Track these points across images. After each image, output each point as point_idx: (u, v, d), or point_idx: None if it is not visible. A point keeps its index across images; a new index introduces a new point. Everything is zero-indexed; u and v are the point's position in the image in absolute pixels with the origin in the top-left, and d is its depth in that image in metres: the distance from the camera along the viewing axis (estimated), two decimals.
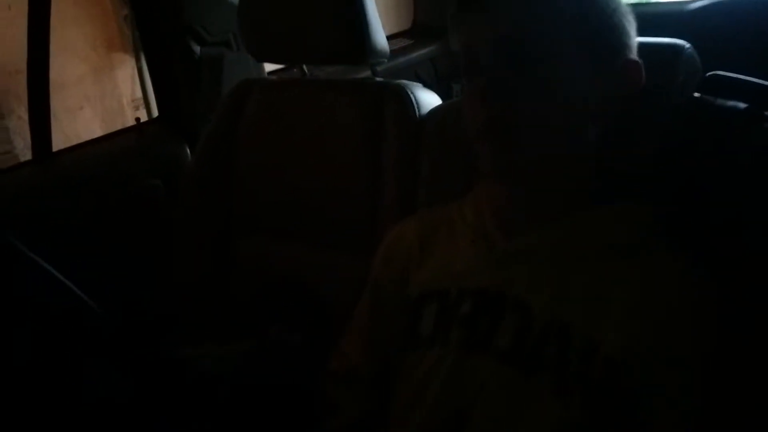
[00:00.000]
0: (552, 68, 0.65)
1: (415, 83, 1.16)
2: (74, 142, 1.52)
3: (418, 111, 1.09)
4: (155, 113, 1.64)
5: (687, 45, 0.80)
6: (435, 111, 1.07)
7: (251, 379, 0.88)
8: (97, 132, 1.99)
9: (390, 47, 1.18)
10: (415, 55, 1.97)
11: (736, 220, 0.74)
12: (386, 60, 1.19)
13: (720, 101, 0.79)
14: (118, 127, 1.64)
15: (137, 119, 1.52)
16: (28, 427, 0.68)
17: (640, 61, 0.70)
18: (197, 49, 1.49)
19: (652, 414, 0.62)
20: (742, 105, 0.77)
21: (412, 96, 1.10)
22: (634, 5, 0.75)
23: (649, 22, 0.74)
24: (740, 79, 0.80)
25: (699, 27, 1.51)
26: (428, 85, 1.19)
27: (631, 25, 0.70)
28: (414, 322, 0.75)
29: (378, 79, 1.20)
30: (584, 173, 0.71)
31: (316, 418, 0.83)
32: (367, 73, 1.25)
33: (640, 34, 0.75)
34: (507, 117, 0.65)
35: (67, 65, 2.45)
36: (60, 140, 1.46)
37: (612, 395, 0.62)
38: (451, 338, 0.71)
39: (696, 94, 0.80)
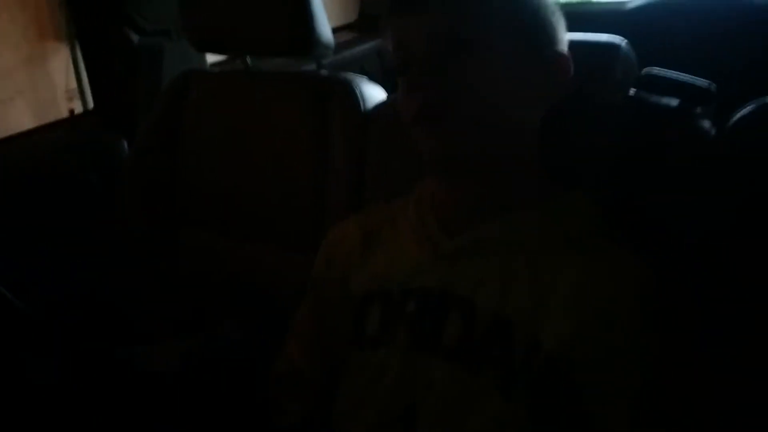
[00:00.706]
0: (481, 58, 0.66)
1: (360, 76, 1.15)
2: (4, 135, 1.45)
3: (364, 105, 1.08)
4: (91, 105, 1.58)
5: (624, 42, 0.82)
6: (381, 105, 1.07)
7: (193, 376, 0.86)
8: (28, 125, 1.90)
9: (335, 40, 1.17)
10: (361, 48, 1.96)
11: (670, 213, 0.77)
12: (331, 53, 1.18)
13: (655, 98, 0.82)
14: (52, 119, 1.57)
15: (71, 111, 1.46)
16: None
17: (568, 53, 0.72)
18: (135, 38, 1.44)
19: (595, 408, 0.63)
20: (674, 102, 0.80)
21: (357, 90, 1.10)
22: (573, 4, 0.77)
23: (588, 20, 0.76)
24: (672, 76, 0.83)
25: (636, 25, 1.56)
26: (374, 79, 1.18)
27: (558, 21, 0.72)
28: (359, 323, 0.74)
29: (323, 72, 1.19)
30: (523, 168, 0.72)
31: (259, 418, 0.82)
32: (312, 66, 1.23)
33: (580, 31, 0.76)
34: (439, 105, 0.66)
35: None
36: None
37: (555, 391, 0.63)
38: (398, 338, 0.71)
39: (632, 91, 0.83)
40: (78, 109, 1.63)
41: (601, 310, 0.64)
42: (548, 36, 0.71)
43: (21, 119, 2.42)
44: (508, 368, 0.65)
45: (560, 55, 0.71)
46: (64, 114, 1.48)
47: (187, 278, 1.19)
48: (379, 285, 0.75)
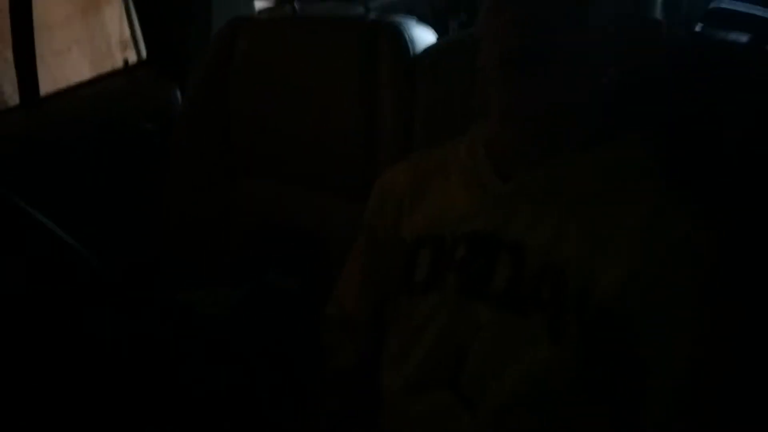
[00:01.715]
0: (582, 10, 0.63)
1: (409, 19, 1.12)
2: (63, 85, 1.48)
3: (413, 48, 1.06)
4: (144, 54, 1.60)
5: None
6: (430, 49, 1.05)
7: (247, 323, 0.89)
8: (85, 74, 1.94)
9: None
10: None
11: (739, 154, 0.73)
12: None
13: (723, 34, 0.77)
14: (107, 68, 1.60)
15: (125, 60, 1.49)
16: (29, 379, 0.69)
17: (663, 20, 0.68)
18: None
19: (649, 356, 0.62)
20: (744, 37, 0.75)
21: (406, 33, 1.07)
22: None
23: None
24: (742, 9, 0.77)
25: None
26: (424, 21, 1.15)
27: None
28: (408, 268, 0.74)
29: (371, 15, 1.17)
30: (593, 115, 0.69)
31: (313, 363, 0.84)
32: (360, 9, 1.21)
33: None
34: (536, 50, 0.63)
35: (53, 6, 2.38)
36: (48, 83, 1.43)
37: (607, 337, 0.62)
38: (447, 283, 0.71)
39: (699, 26, 0.78)
40: (132, 58, 1.65)
41: (658, 262, 0.62)
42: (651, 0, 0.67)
43: (78, 69, 2.49)
44: (557, 313, 0.64)
45: (656, 21, 0.68)
46: (119, 63, 1.50)
47: (238, 226, 1.22)
48: (430, 230, 0.74)
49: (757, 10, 0.77)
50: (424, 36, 1.09)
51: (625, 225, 0.64)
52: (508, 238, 0.68)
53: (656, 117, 0.74)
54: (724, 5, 0.78)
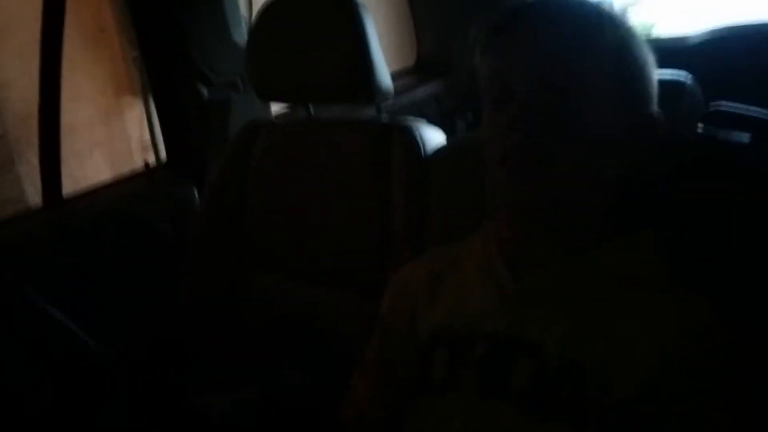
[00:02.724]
0: (585, 104, 0.65)
1: (420, 120, 1.17)
2: (83, 185, 1.53)
3: (425, 149, 1.10)
4: (164, 156, 1.65)
5: (689, 78, 0.81)
6: (441, 149, 1.08)
7: (263, 425, 0.87)
8: (106, 175, 2.01)
9: (394, 85, 1.20)
10: (419, 92, 1.99)
11: (745, 253, 0.74)
12: (391, 98, 1.20)
13: (724, 133, 0.79)
14: (128, 170, 1.66)
15: (146, 163, 1.54)
16: None
17: (661, 113, 0.70)
18: (205, 91, 1.51)
19: None
20: (745, 136, 0.78)
21: (418, 134, 1.11)
22: None
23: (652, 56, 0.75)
24: (742, 110, 0.80)
25: (701, 60, 1.53)
26: (432, 122, 1.20)
27: (655, 77, 0.71)
28: (425, 367, 0.74)
29: (383, 117, 1.22)
30: (597, 210, 0.71)
31: None
32: (372, 111, 1.26)
33: None
34: (535, 147, 0.65)
35: (77, 109, 2.49)
36: (69, 184, 1.48)
37: None
38: (465, 383, 0.70)
39: (700, 127, 0.81)
40: (152, 160, 1.71)
41: (674, 357, 0.62)
42: (648, 94, 0.70)
43: (99, 170, 2.57)
44: (579, 412, 0.63)
45: (655, 115, 0.70)
46: (140, 165, 1.56)
47: (255, 324, 1.22)
48: (445, 328, 0.74)
49: (756, 112, 0.80)
50: (434, 136, 1.13)
51: (638, 323, 0.64)
52: (525, 338, 0.68)
53: (662, 213, 0.76)
54: (723, 107, 0.81)
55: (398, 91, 1.46)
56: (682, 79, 0.81)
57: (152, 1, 1.46)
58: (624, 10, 0.72)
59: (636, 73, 0.69)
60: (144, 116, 2.60)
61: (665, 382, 0.61)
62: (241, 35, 1.55)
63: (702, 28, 1.74)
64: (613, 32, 0.67)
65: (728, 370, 0.62)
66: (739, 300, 0.69)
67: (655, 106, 0.71)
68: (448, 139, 1.15)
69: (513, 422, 0.66)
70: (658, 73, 0.73)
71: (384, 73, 1.15)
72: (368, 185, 1.12)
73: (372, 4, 1.17)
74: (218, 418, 0.83)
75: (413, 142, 1.10)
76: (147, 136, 2.58)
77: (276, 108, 1.67)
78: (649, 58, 0.70)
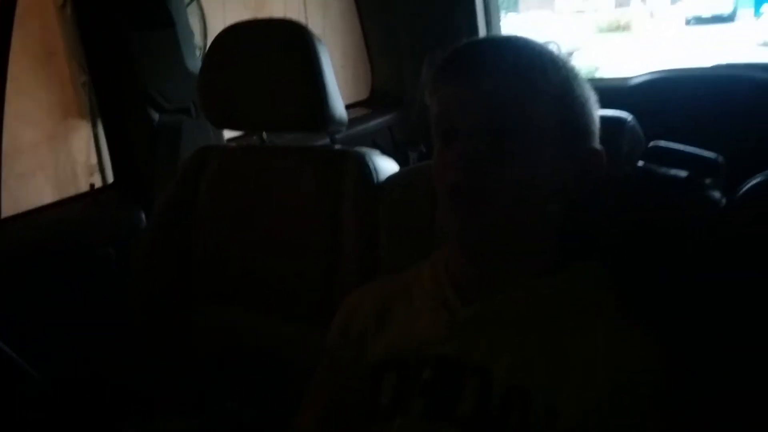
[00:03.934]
0: (527, 144, 0.68)
1: (373, 150, 1.18)
2: (24, 208, 1.48)
3: (377, 177, 1.11)
4: (111, 180, 1.62)
5: (630, 117, 0.84)
6: (393, 177, 1.09)
7: None
8: (49, 198, 1.94)
9: (348, 115, 1.21)
10: (372, 123, 2.02)
11: (681, 285, 0.77)
12: (345, 128, 1.21)
13: (663, 170, 0.83)
14: (72, 193, 1.61)
15: (91, 185, 1.50)
16: None
17: (602, 149, 0.73)
18: (155, 116, 1.49)
19: None
20: (683, 173, 0.82)
21: (370, 163, 1.12)
22: None
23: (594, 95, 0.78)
24: (680, 148, 0.84)
25: (640, 101, 1.60)
26: (385, 153, 1.21)
27: (597, 115, 0.74)
28: (373, 393, 0.74)
29: (337, 146, 1.23)
30: (544, 242, 0.73)
31: None
32: (326, 140, 1.27)
33: None
34: (479, 183, 0.67)
35: (22, 132, 2.42)
36: (10, 207, 1.43)
37: None
38: (413, 407, 0.70)
39: (640, 163, 0.84)
40: (98, 183, 1.67)
41: (617, 386, 0.64)
42: (589, 131, 0.73)
43: (41, 193, 2.49)
44: None
45: (597, 150, 0.73)
46: (84, 188, 1.51)
47: (199, 353, 1.19)
48: (394, 353, 0.74)
49: (693, 150, 0.84)
50: (386, 166, 1.14)
51: (582, 351, 0.66)
52: (473, 362, 0.69)
53: (605, 244, 0.78)
54: (662, 145, 0.85)
55: (352, 122, 1.48)
56: (623, 117, 0.84)
57: (102, 26, 1.45)
58: (568, 53, 0.75)
59: (578, 111, 0.72)
60: (91, 140, 2.54)
61: (609, 411, 0.62)
62: (194, 62, 1.55)
63: (642, 72, 1.83)
64: (556, 72, 0.70)
65: (672, 399, 0.64)
66: (681, 326, 0.71)
67: (597, 143, 0.74)
68: (401, 169, 1.16)
69: None
70: (601, 112, 0.77)
71: (338, 103, 1.16)
72: (319, 212, 1.12)
73: (327, 36, 1.19)
74: None
75: (366, 170, 1.11)
76: (93, 160, 2.52)
77: (229, 134, 1.66)
78: (591, 96, 0.74)
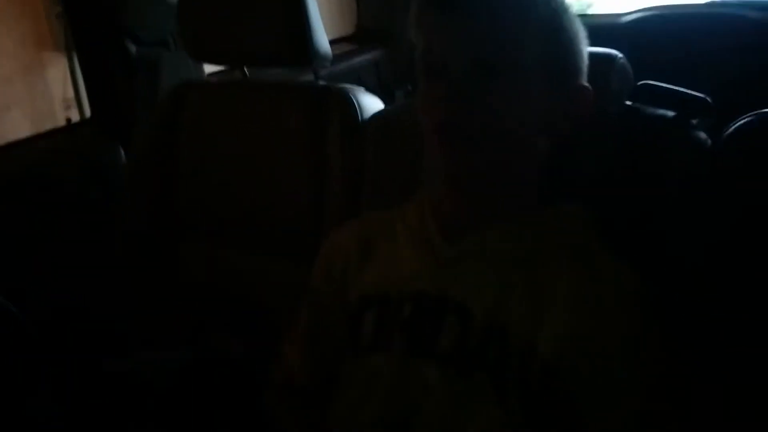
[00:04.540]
0: (514, 80, 0.67)
1: (358, 87, 1.15)
2: (0, 143, 1.44)
3: (361, 115, 1.09)
4: (88, 114, 1.58)
5: (620, 55, 0.83)
6: (378, 115, 1.08)
7: (190, 389, 0.85)
8: (25, 133, 1.90)
9: (333, 52, 1.18)
10: (358, 59, 1.97)
11: (667, 226, 0.77)
12: (329, 64, 1.18)
13: (650, 109, 0.82)
14: (48, 128, 1.57)
15: (68, 120, 1.47)
16: None
17: (590, 88, 0.72)
18: (133, 48, 1.45)
19: (590, 415, 0.63)
20: (670, 113, 0.81)
21: (355, 100, 1.10)
22: None
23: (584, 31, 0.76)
24: (668, 88, 0.83)
25: (631, 39, 1.57)
26: (371, 90, 1.19)
27: (586, 52, 0.73)
28: (354, 328, 0.75)
29: (321, 83, 1.20)
30: (530, 180, 0.73)
31: (258, 428, 0.81)
32: (310, 77, 1.24)
33: None
34: (466, 120, 0.66)
35: None
36: None
37: (550, 398, 0.64)
38: (393, 343, 0.71)
39: (628, 103, 0.83)
40: (75, 117, 1.63)
41: (596, 320, 0.65)
42: (577, 67, 0.71)
43: (17, 127, 2.43)
44: (502, 373, 0.65)
45: (584, 88, 0.72)
46: (61, 123, 1.48)
47: (184, 288, 1.19)
48: (376, 290, 0.75)
49: (681, 90, 0.83)
50: (371, 103, 1.12)
51: (562, 289, 0.67)
52: (453, 299, 0.69)
53: (590, 182, 0.78)
54: (650, 84, 0.84)
55: (337, 58, 1.44)
56: (612, 54, 0.82)
57: None
58: None
59: (567, 47, 0.70)
60: (68, 73, 2.47)
61: (580, 344, 0.64)
62: None
63: (636, 8, 1.79)
64: (546, 6, 0.69)
65: (644, 342, 0.65)
66: (663, 267, 0.72)
67: (584, 80, 0.73)
68: (386, 107, 1.14)
69: (438, 381, 0.67)
70: (590, 50, 0.75)
71: (322, 37, 1.13)
72: (303, 149, 1.10)
73: None
74: (142, 380, 0.82)
75: (350, 107, 1.09)
76: (70, 93, 2.46)
77: (210, 68, 1.61)
78: (581, 32, 0.72)
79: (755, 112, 0.78)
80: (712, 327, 0.71)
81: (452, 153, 0.68)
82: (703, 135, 0.80)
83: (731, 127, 0.78)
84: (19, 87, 2.48)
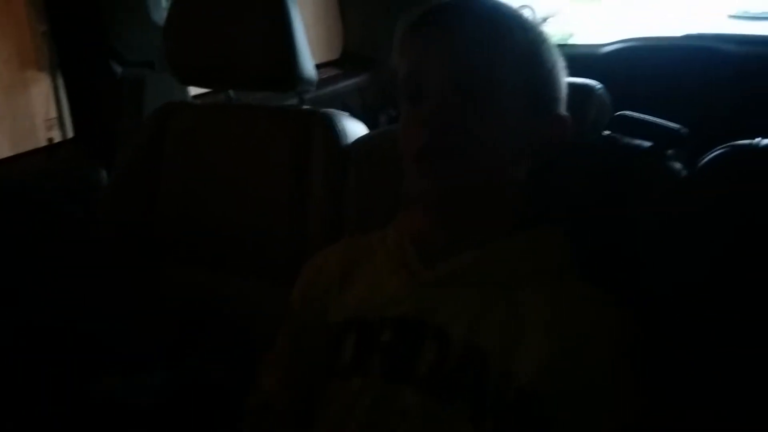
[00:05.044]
0: (494, 105, 0.68)
1: (341, 112, 1.16)
2: None
3: (345, 139, 1.10)
4: (71, 134, 1.57)
5: (598, 85, 0.85)
6: (361, 140, 1.09)
7: (169, 410, 0.84)
8: (5, 153, 1.88)
9: (318, 76, 1.19)
10: (342, 84, 1.99)
11: (638, 252, 0.78)
12: (314, 88, 1.19)
13: (627, 139, 0.84)
14: (30, 147, 1.56)
15: (50, 140, 1.46)
16: None
17: (568, 116, 0.74)
18: (118, 69, 1.45)
19: None
20: (646, 143, 0.83)
21: (338, 124, 1.11)
22: None
23: (564, 63, 0.78)
24: (645, 119, 0.85)
25: (610, 69, 1.61)
26: (355, 115, 1.20)
27: (564, 82, 0.74)
28: (334, 352, 0.74)
29: (305, 107, 1.21)
30: (507, 204, 0.74)
31: None
32: (294, 101, 1.25)
33: None
34: (445, 143, 0.67)
35: None
36: None
37: (525, 424, 0.64)
38: (372, 367, 0.71)
39: (605, 132, 0.85)
40: (57, 137, 1.62)
41: (573, 346, 0.65)
42: (555, 96, 0.73)
43: None
44: (479, 399, 0.65)
45: (562, 117, 0.73)
46: (43, 143, 1.47)
47: (164, 310, 1.18)
48: (356, 313, 0.75)
49: (658, 120, 0.85)
50: (355, 128, 1.13)
51: (540, 314, 0.67)
52: (432, 324, 0.70)
53: (567, 210, 0.79)
54: (627, 114, 0.86)
55: (322, 83, 1.45)
56: (591, 85, 0.84)
57: None
58: (544, 19, 0.75)
59: (544, 76, 0.72)
60: (51, 92, 2.46)
61: (560, 375, 0.64)
62: (160, 15, 1.50)
63: (615, 39, 1.83)
64: (523, 35, 0.70)
65: (624, 362, 0.66)
66: (638, 293, 0.73)
67: (563, 109, 0.74)
68: (369, 132, 1.15)
69: (416, 406, 0.67)
70: (569, 80, 0.77)
71: (307, 62, 1.14)
72: (286, 173, 1.11)
73: None
74: (122, 401, 0.80)
75: (334, 131, 1.10)
76: (53, 113, 2.44)
77: (195, 90, 1.62)
78: (558, 62, 0.74)
79: (730, 143, 0.80)
80: (686, 352, 0.72)
81: (430, 175, 0.69)
82: (678, 165, 0.82)
83: (706, 157, 0.80)
84: (1, 106, 2.46)
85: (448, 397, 0.66)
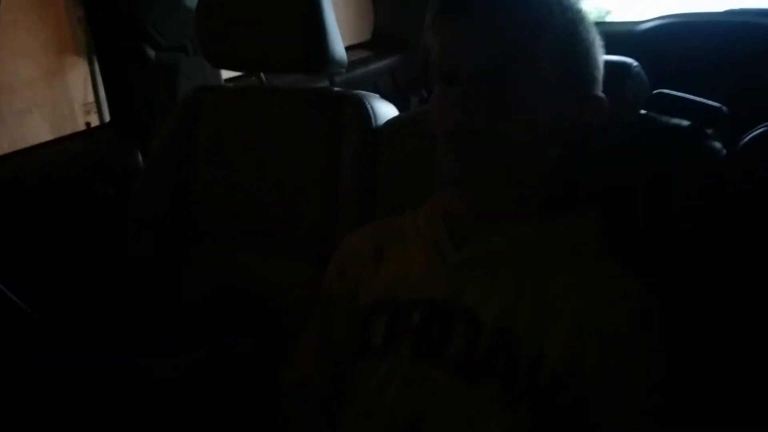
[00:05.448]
0: (527, 87, 0.67)
1: (372, 94, 1.16)
2: (21, 146, 1.47)
3: (375, 121, 1.10)
4: (107, 119, 1.60)
5: (635, 63, 0.83)
6: (391, 122, 1.08)
7: (201, 388, 0.86)
8: (46, 137, 1.93)
9: (349, 58, 1.19)
10: (373, 66, 1.98)
11: (679, 236, 0.77)
12: (344, 70, 1.19)
13: (665, 118, 0.82)
14: (68, 132, 1.60)
15: (87, 124, 1.49)
16: None
17: (605, 98, 0.72)
18: (152, 53, 1.47)
19: (600, 423, 0.63)
20: (685, 122, 0.81)
21: (369, 106, 1.11)
22: None
23: (601, 41, 0.77)
24: (684, 97, 0.83)
25: (648, 46, 1.57)
26: (386, 97, 1.19)
27: (601, 61, 0.73)
28: (365, 333, 0.75)
29: (336, 89, 1.21)
30: (539, 186, 0.73)
31: (268, 429, 0.82)
32: (325, 83, 1.25)
33: None
34: (477, 124, 0.67)
35: (18, 68, 2.38)
36: (7, 145, 1.42)
37: (558, 406, 0.63)
38: (402, 349, 0.71)
39: (643, 111, 0.83)
40: (94, 122, 1.66)
41: (605, 328, 0.65)
42: (592, 77, 0.71)
43: (38, 131, 2.47)
44: (511, 380, 0.65)
45: (599, 98, 0.72)
46: (81, 127, 1.50)
47: (198, 290, 1.20)
48: (387, 295, 0.75)
49: (697, 99, 0.82)
50: (386, 110, 1.13)
51: (571, 297, 0.67)
52: (462, 306, 0.70)
53: (603, 192, 0.78)
54: (665, 93, 0.84)
55: (352, 65, 1.45)
56: (628, 63, 0.82)
57: None
58: None
59: (582, 56, 0.70)
60: (88, 77, 2.50)
61: (590, 351, 0.64)
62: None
63: (653, 15, 1.79)
64: (562, 13, 0.69)
65: (654, 347, 0.65)
66: (674, 276, 0.72)
67: (600, 90, 0.73)
68: (400, 114, 1.15)
69: (446, 388, 0.68)
70: (606, 58, 0.75)
71: (338, 44, 1.14)
72: (318, 155, 1.11)
73: None
74: (156, 381, 0.83)
75: (364, 113, 1.09)
76: (91, 97, 2.49)
77: (227, 74, 1.63)
78: (597, 41, 0.72)
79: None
80: (722, 335, 0.71)
81: (463, 156, 0.68)
82: (718, 144, 0.79)
83: (747, 136, 0.78)
84: (41, 91, 2.52)
85: (478, 380, 0.66)
